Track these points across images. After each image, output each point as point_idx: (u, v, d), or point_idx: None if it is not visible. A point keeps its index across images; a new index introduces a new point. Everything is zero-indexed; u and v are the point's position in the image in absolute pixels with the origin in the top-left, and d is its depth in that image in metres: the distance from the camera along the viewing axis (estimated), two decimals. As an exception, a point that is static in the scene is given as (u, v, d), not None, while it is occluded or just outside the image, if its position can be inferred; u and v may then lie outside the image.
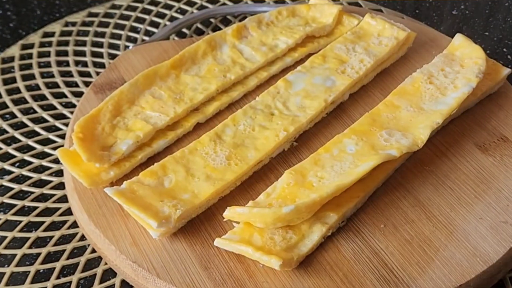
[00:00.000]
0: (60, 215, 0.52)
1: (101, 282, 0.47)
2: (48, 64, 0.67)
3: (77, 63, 0.68)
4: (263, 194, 0.47)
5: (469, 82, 0.54)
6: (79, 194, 0.49)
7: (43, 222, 0.52)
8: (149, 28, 0.73)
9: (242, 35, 0.62)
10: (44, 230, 0.51)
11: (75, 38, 0.71)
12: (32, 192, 0.54)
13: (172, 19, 0.74)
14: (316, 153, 0.49)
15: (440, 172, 0.51)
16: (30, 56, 0.68)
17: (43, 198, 0.54)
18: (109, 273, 0.48)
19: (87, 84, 0.65)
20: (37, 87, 0.64)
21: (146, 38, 0.71)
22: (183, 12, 0.75)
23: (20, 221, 0.52)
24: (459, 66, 0.56)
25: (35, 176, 0.55)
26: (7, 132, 0.59)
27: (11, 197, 0.54)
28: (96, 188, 0.49)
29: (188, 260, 0.45)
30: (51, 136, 0.59)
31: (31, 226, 0.51)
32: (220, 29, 0.71)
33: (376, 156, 0.47)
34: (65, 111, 0.62)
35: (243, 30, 0.62)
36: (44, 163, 0.57)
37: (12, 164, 0.56)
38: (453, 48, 0.59)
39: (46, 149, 0.58)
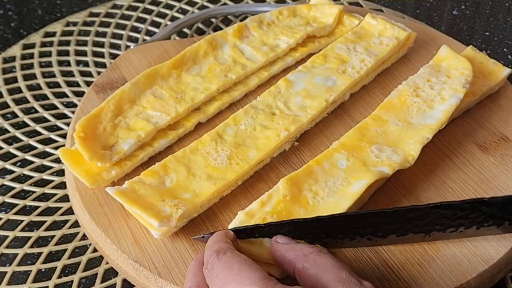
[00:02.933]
0: (62, 214, 0.52)
1: (102, 281, 0.47)
2: (49, 64, 0.67)
3: (78, 62, 0.68)
4: (257, 202, 0.46)
5: (456, 93, 0.53)
6: (81, 193, 0.49)
7: (44, 222, 0.52)
8: (150, 28, 0.73)
9: (243, 35, 0.62)
10: (46, 230, 0.51)
11: (76, 38, 0.71)
12: (33, 192, 0.54)
13: (173, 19, 0.74)
14: (307, 165, 0.48)
15: (441, 171, 0.51)
16: (31, 55, 0.68)
17: (44, 197, 0.54)
18: (111, 273, 0.48)
19: (88, 83, 0.65)
20: (39, 87, 0.65)
21: (147, 38, 0.71)
22: (184, 12, 0.75)
23: (22, 221, 0.52)
24: (446, 77, 0.56)
25: (37, 175, 0.55)
26: (8, 131, 0.60)
27: (13, 196, 0.54)
28: (97, 187, 0.49)
29: (190, 259, 0.45)
30: (52, 135, 0.59)
31: (33, 226, 0.52)
32: (221, 29, 0.71)
33: (369, 173, 0.47)
34: (66, 111, 0.62)
35: (244, 30, 0.62)
36: (46, 162, 0.57)
37: (14, 164, 0.56)
38: (439, 59, 0.58)
39: (48, 149, 0.58)
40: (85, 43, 0.70)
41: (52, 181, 0.55)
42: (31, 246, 0.50)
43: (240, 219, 0.45)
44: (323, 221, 0.42)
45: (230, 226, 0.45)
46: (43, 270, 0.48)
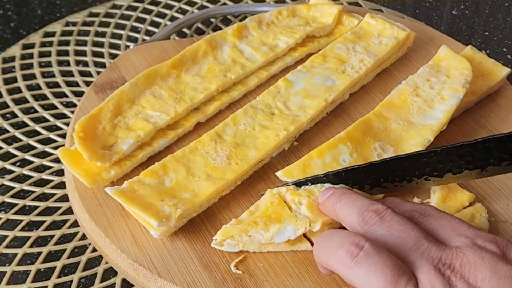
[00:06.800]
0: (61, 214, 0.52)
1: (102, 281, 0.47)
2: (49, 64, 0.67)
3: (78, 62, 0.68)
4: (246, 212, 0.46)
5: (456, 93, 0.53)
6: (80, 193, 0.49)
7: (44, 221, 0.52)
8: (150, 28, 0.73)
9: (243, 34, 0.62)
10: (45, 229, 0.51)
11: (76, 37, 0.71)
12: (33, 192, 0.54)
13: (172, 19, 0.74)
14: (308, 155, 0.48)
15: (440, 171, 0.51)
16: (31, 55, 0.68)
17: (44, 197, 0.54)
18: (110, 272, 0.48)
19: (87, 83, 0.65)
20: (38, 87, 0.65)
21: (147, 37, 0.71)
22: (183, 12, 0.75)
23: (21, 220, 0.52)
24: (445, 77, 0.55)
25: (36, 175, 0.55)
26: (8, 131, 0.60)
27: (12, 196, 0.54)
28: (97, 187, 0.49)
29: (189, 259, 0.45)
30: (51, 135, 0.59)
31: (32, 225, 0.52)
32: (220, 29, 0.71)
33: None
34: (66, 111, 0.62)
35: (244, 30, 0.62)
36: (45, 162, 0.57)
37: (13, 164, 0.57)
38: (439, 59, 0.58)
39: (47, 149, 0.58)
40: (84, 43, 0.70)
41: (51, 181, 0.55)
42: (31, 246, 0.50)
43: (231, 223, 0.45)
44: (377, 166, 0.44)
45: (220, 233, 0.44)
46: (42, 269, 0.48)
